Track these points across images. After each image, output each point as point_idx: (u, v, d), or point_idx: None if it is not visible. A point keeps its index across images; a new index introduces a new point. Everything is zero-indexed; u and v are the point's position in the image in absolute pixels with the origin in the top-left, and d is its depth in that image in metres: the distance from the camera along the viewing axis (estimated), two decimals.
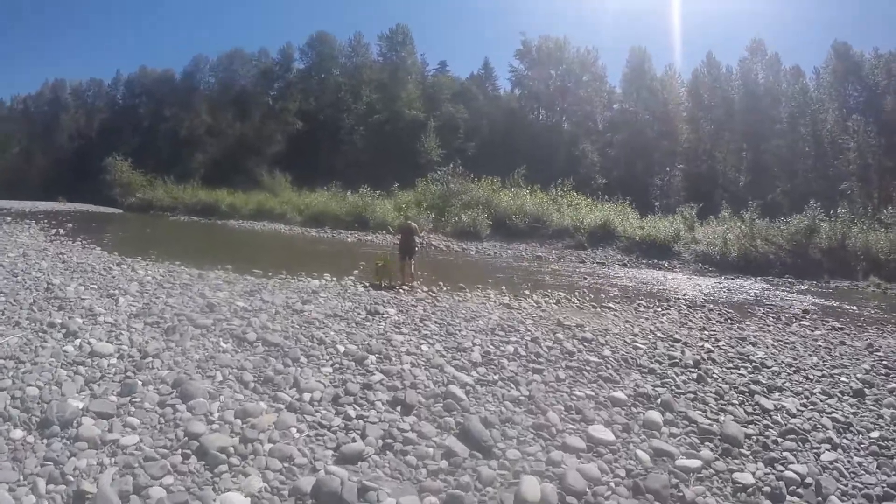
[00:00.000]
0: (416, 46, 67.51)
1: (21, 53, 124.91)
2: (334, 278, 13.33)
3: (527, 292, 13.51)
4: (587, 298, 13.27)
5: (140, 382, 5.09)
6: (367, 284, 12.73)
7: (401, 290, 12.23)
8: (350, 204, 35.21)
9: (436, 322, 8.57)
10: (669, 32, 65.16)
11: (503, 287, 13.91)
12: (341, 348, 6.67)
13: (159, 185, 52.19)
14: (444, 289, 13.14)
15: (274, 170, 50.70)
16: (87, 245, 17.95)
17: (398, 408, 5.17)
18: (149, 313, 7.41)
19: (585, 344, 7.83)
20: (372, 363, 6.25)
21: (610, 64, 75.52)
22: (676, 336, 8.97)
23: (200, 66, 76.56)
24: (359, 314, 8.64)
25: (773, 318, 12.79)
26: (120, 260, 14.02)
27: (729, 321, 11.86)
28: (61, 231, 22.89)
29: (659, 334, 9.04)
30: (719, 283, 19.40)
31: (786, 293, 18.01)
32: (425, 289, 12.69)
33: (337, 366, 6.14)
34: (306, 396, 5.24)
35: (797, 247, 26.13)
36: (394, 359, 6.46)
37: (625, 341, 8.24)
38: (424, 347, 7.05)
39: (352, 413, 4.96)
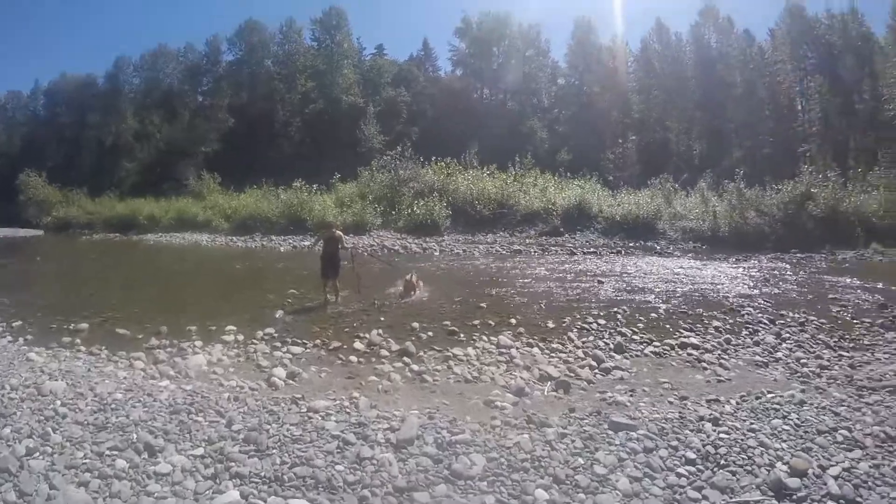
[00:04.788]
0: (352, 30, 61.14)
1: None
2: (240, 336, 8.01)
3: (550, 325, 8.53)
4: (647, 327, 8.43)
5: None
6: (296, 346, 7.60)
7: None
8: (283, 203, 28.85)
9: None
10: (615, 1, 60.13)
11: (513, 320, 8.78)
12: None
13: (75, 199, 45.05)
14: (426, 337, 7.98)
15: (202, 172, 44.20)
16: None
17: None
18: None
19: None
20: None
21: (554, 38, 70.87)
22: None
23: (123, 67, 67.70)
24: None
25: (879, 326, 8.77)
26: None
27: (851, 345, 7.81)
28: None
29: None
30: (736, 268, 15.28)
31: (815, 275, 14.54)
32: (392, 350, 7.39)
33: None
34: None
35: (791, 217, 22.62)
36: None
37: None
38: None
39: None
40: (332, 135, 49.58)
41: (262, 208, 29.25)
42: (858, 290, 12.16)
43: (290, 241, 23.31)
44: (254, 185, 34.00)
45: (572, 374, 6.29)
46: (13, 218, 46.52)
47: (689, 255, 18.51)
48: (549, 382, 6.04)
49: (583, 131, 46.93)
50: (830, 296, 11.46)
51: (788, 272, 14.96)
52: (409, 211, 25.35)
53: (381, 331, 8.23)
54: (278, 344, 7.66)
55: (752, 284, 12.46)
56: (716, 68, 45.92)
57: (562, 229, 23.26)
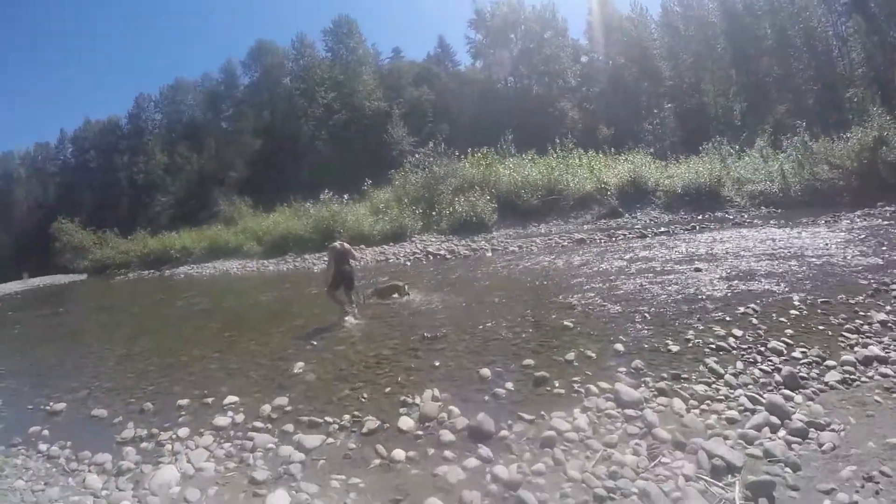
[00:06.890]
0: (365, 36, 60.04)
1: None
2: (240, 416, 5.89)
3: (672, 347, 6.24)
4: (798, 333, 6.35)
5: None
6: (314, 430, 5.32)
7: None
8: (314, 218, 26.59)
9: None
10: None
11: (619, 345, 6.46)
12: None
13: (108, 240, 44.77)
14: (505, 393, 5.53)
15: (233, 197, 43.59)
16: None
17: None
18: None
19: None
20: None
21: (571, 16, 68.33)
22: None
23: (143, 105, 68.92)
24: None
25: None
26: None
27: None
28: None
29: None
30: (835, 232, 13.26)
31: None
32: (458, 429, 4.89)
33: None
34: None
35: (864, 166, 20.36)
36: None
37: None
38: None
39: None
40: (359, 142, 48.49)
41: (293, 226, 27.81)
42: None
43: (325, 258, 21.60)
44: (284, 204, 32.93)
45: (759, 452, 3.93)
46: (53, 265, 46.79)
47: (772, 222, 16.44)
48: (737, 482, 3.59)
49: (615, 106, 44.87)
50: None
51: (894, 230, 12.98)
52: (451, 210, 23.61)
53: (436, 390, 5.82)
54: (289, 427, 5.45)
55: (868, 251, 10.43)
56: (744, 22, 43.22)
57: (620, 209, 21.42)
